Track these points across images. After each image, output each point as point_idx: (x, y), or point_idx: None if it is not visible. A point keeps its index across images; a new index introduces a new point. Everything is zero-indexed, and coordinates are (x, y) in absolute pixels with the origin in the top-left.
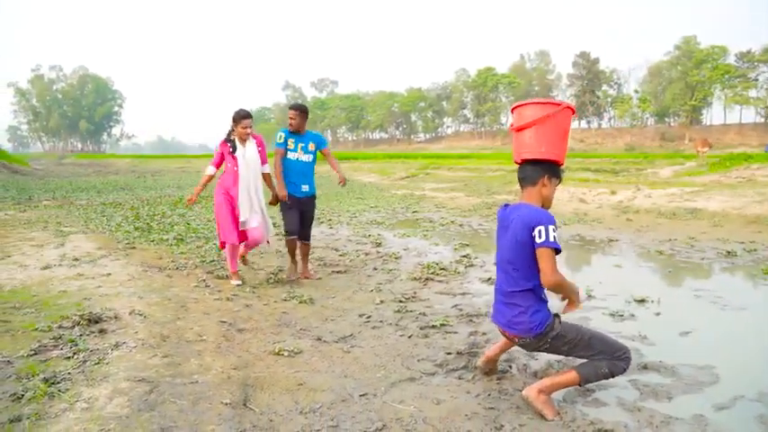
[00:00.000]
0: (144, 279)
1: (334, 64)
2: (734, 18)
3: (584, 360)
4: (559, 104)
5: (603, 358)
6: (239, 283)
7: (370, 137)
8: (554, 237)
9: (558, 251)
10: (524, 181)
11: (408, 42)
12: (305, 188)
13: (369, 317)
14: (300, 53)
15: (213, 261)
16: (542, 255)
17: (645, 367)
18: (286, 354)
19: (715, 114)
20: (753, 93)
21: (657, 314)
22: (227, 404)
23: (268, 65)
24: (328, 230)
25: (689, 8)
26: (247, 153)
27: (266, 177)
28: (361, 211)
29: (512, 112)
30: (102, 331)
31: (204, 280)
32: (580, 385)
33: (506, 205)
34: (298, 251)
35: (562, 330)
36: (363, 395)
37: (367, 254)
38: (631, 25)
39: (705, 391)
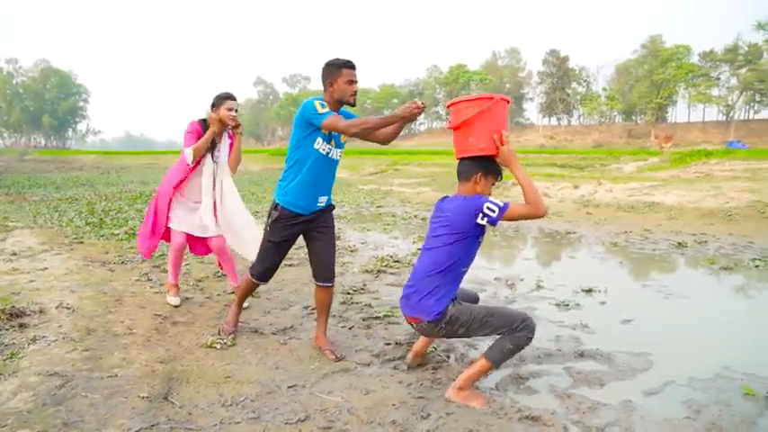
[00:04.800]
0: (82, 273)
1: (307, 60)
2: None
3: (490, 342)
4: (491, 98)
5: (504, 333)
6: (177, 302)
7: None
8: (495, 205)
9: (506, 207)
10: (460, 176)
11: (380, 39)
12: (322, 200)
13: (313, 309)
14: (272, 48)
15: (163, 255)
16: (513, 214)
17: (581, 355)
18: (218, 346)
19: (680, 112)
20: (715, 91)
21: (602, 303)
22: (144, 398)
23: (239, 60)
24: None
25: (656, 8)
26: (222, 150)
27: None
28: None
29: (448, 108)
30: (22, 326)
31: (147, 273)
32: (496, 368)
33: (446, 197)
34: (315, 303)
35: (455, 314)
36: (291, 387)
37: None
38: (600, 24)
39: (637, 377)
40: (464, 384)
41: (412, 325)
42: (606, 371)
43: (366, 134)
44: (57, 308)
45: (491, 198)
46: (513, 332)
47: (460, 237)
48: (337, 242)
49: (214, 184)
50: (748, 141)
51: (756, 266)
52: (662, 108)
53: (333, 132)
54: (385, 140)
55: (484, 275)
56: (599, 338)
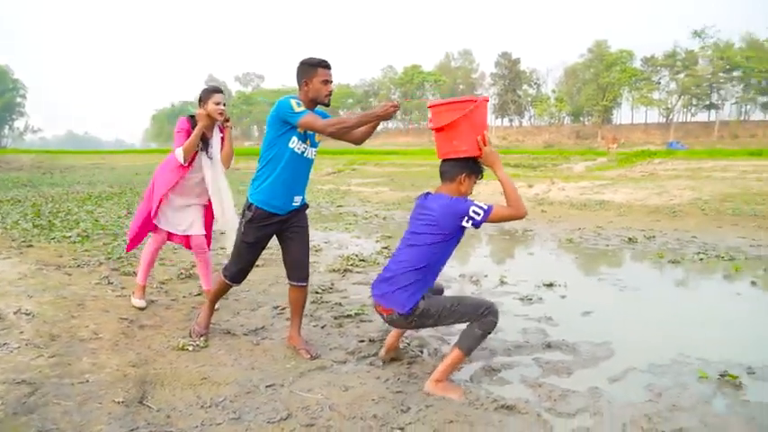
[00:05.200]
0: (37, 277)
1: (260, 58)
2: (640, 24)
3: (459, 331)
4: (474, 100)
5: (472, 320)
6: (143, 305)
7: None
8: (480, 209)
9: (489, 210)
10: (444, 176)
11: (335, 38)
12: (297, 200)
13: (283, 309)
14: (224, 46)
15: (120, 258)
16: (496, 217)
17: (548, 346)
18: (190, 348)
19: (624, 114)
20: (656, 95)
21: (563, 297)
22: (119, 403)
23: (190, 57)
24: None
25: (601, 13)
26: (214, 146)
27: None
28: None
29: (429, 109)
30: None
31: (107, 277)
32: (467, 355)
33: (427, 194)
34: (288, 302)
35: (426, 307)
36: (270, 386)
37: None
38: (550, 28)
39: (601, 365)
40: (441, 376)
41: (382, 315)
42: (572, 360)
43: (343, 133)
44: (15, 314)
45: (476, 201)
46: (479, 318)
47: (444, 237)
48: None
49: (209, 180)
50: (686, 142)
51: (701, 260)
52: (608, 110)
53: (308, 131)
54: (359, 140)
55: (448, 272)
56: (563, 330)
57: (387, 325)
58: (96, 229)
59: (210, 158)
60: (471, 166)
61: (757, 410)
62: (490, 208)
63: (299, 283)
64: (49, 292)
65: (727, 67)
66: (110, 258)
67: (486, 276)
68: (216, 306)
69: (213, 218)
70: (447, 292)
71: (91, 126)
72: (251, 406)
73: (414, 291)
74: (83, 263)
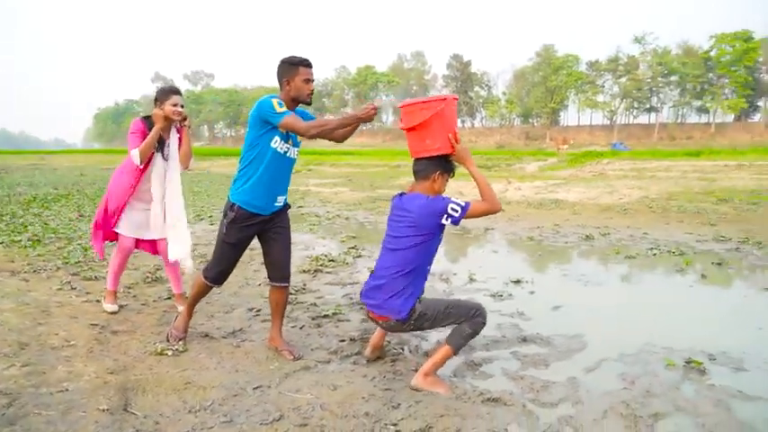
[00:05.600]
0: None
1: (210, 56)
2: (586, 29)
3: (450, 330)
4: (444, 99)
5: (463, 321)
6: (115, 309)
7: None
8: (458, 205)
9: (467, 206)
10: (418, 175)
11: (287, 37)
12: (280, 200)
13: (258, 310)
14: (172, 43)
15: (78, 262)
16: (473, 213)
17: (524, 340)
18: (170, 353)
19: (571, 116)
20: (600, 98)
21: (532, 293)
22: (104, 410)
23: (136, 54)
24: (210, 227)
25: (549, 18)
26: (172, 147)
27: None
28: None
29: (400, 109)
30: None
31: (69, 282)
32: (456, 353)
33: (402, 194)
34: (269, 303)
35: (422, 311)
36: (257, 388)
37: (251, 249)
38: (500, 31)
39: (575, 357)
40: (429, 370)
41: (377, 322)
42: (548, 353)
43: (325, 135)
44: None
45: (453, 198)
46: (469, 319)
47: (426, 237)
48: None
49: (164, 182)
50: (629, 143)
51: (654, 255)
52: (555, 112)
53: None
54: (341, 139)
55: None
56: (536, 324)
57: (366, 324)
58: (47, 232)
59: (166, 159)
60: (444, 164)
61: (723, 394)
62: (468, 204)
63: (281, 284)
64: (8, 299)
65: (665, 72)
66: (67, 263)
67: (455, 274)
68: (195, 309)
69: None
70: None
71: (28, 125)
72: (241, 408)
73: (407, 295)
74: (39, 268)
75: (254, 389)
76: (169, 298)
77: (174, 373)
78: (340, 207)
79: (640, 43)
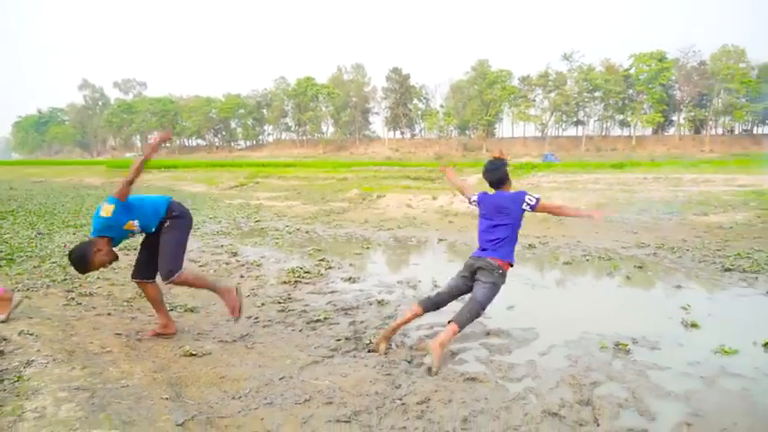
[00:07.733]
0: None
1: (142, 64)
2: (518, 45)
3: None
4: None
5: (474, 306)
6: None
7: (187, 144)
8: (532, 197)
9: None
10: (498, 184)
11: (225, 46)
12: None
13: (257, 318)
14: (100, 49)
15: (65, 280)
16: (543, 208)
17: (488, 334)
18: (197, 354)
19: (505, 128)
20: (532, 111)
21: None
22: (166, 399)
23: (61, 59)
24: None
25: (483, 33)
26: None
27: None
28: (201, 222)
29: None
30: None
31: (74, 298)
32: (460, 330)
33: (486, 193)
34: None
35: (503, 280)
36: (282, 378)
37: (227, 263)
38: (436, 45)
39: (531, 344)
40: (445, 340)
41: (478, 260)
42: (509, 343)
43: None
44: (19, 335)
45: (528, 195)
46: (476, 307)
47: (516, 219)
48: (237, 258)
49: None
50: (559, 155)
51: (587, 260)
52: (491, 124)
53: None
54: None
55: (387, 280)
56: (496, 321)
57: (354, 326)
58: (14, 251)
59: None
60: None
61: (642, 366)
62: (538, 199)
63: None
64: (28, 315)
65: (590, 87)
66: (54, 282)
67: (420, 282)
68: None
69: None
70: (391, 298)
71: None
72: (275, 393)
73: (512, 251)
74: (31, 287)
75: (279, 379)
76: (171, 310)
77: (207, 371)
78: (296, 221)
79: (568, 60)
